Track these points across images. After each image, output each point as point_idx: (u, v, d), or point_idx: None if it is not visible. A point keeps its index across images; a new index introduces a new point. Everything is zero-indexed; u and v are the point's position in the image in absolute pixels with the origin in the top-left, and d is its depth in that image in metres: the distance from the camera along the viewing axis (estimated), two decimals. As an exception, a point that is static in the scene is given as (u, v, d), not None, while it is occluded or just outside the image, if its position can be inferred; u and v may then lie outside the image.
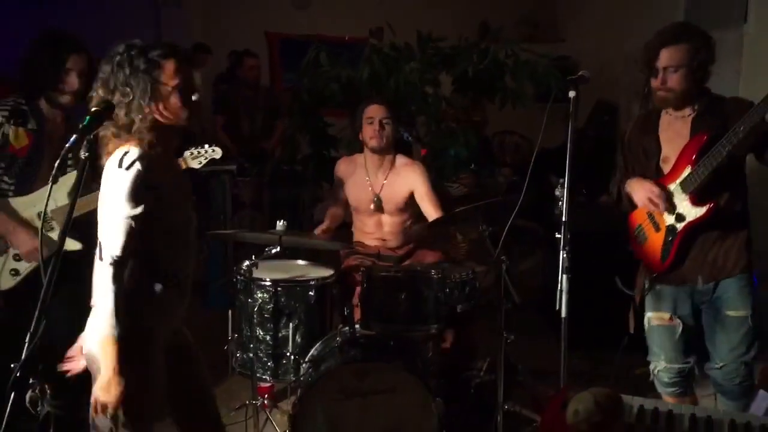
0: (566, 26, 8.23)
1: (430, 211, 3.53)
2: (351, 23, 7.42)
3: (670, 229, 2.82)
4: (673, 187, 2.79)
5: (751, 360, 2.77)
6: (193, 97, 2.05)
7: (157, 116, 2.02)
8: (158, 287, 2.04)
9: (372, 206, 3.59)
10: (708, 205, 2.71)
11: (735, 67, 4.97)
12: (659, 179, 2.83)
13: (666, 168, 2.83)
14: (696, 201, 2.74)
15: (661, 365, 2.93)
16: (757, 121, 2.50)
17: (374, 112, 3.54)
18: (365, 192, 3.61)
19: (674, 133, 2.81)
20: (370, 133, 3.53)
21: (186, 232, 2.14)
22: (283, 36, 8.18)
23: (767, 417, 1.69)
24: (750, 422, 1.56)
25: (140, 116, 1.98)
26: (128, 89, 1.97)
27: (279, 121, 6.06)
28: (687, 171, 2.73)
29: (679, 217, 2.79)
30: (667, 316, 2.89)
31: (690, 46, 2.66)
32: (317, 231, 3.58)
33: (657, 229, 2.88)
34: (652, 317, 2.95)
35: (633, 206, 2.94)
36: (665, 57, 2.69)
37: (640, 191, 2.83)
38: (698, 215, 2.74)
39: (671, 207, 2.79)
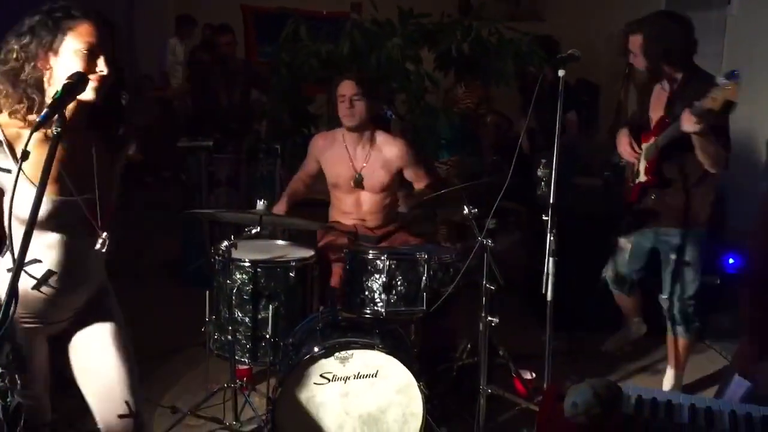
0: (546, 5, 8.17)
1: (421, 182, 3.55)
2: (327, -2, 7.30)
3: (634, 178, 3.46)
4: (645, 147, 3.36)
5: (693, 293, 3.34)
6: (98, 67, 1.85)
7: (53, 81, 1.86)
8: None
9: (352, 183, 3.51)
10: (649, 177, 3.32)
11: (718, 49, 4.96)
12: (644, 133, 3.37)
13: (651, 125, 3.35)
14: (647, 169, 3.33)
15: (608, 273, 3.74)
16: (675, 135, 3.01)
17: (345, 89, 3.43)
18: (345, 168, 3.52)
19: (658, 103, 3.31)
20: (342, 111, 3.44)
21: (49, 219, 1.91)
22: (258, 9, 8.01)
23: (757, 406, 1.65)
24: (750, 413, 1.53)
25: (31, 64, 1.83)
26: (30, 34, 1.83)
27: (257, 92, 5.96)
28: (652, 140, 3.28)
29: (637, 174, 3.42)
30: (627, 239, 3.56)
31: (644, 36, 3.15)
32: (275, 209, 3.47)
33: (632, 172, 3.50)
34: (620, 241, 3.63)
35: None
36: (629, 42, 3.26)
37: (619, 145, 3.46)
38: (644, 180, 3.36)
39: (638, 162, 3.41)
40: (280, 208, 3.54)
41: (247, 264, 3.04)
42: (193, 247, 4.68)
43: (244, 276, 3.05)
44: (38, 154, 1.76)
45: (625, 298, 3.79)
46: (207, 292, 3.17)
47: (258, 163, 5.04)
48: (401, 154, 3.50)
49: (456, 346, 3.49)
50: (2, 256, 1.95)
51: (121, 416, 2.10)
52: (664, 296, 3.42)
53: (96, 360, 2.11)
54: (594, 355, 4.04)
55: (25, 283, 1.91)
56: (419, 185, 3.53)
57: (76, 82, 1.76)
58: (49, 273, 1.93)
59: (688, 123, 2.83)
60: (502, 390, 3.16)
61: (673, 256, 3.32)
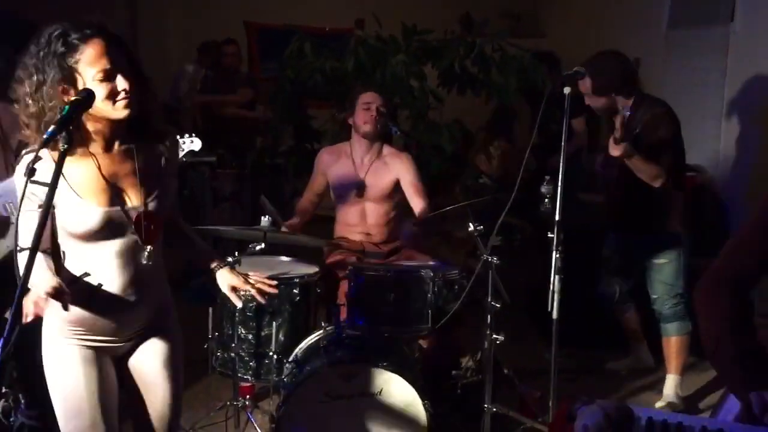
0: (548, 21, 8.20)
1: (416, 201, 3.49)
2: (330, 14, 7.32)
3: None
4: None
5: (681, 290, 3.52)
6: (119, 86, 1.83)
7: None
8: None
9: (355, 192, 3.51)
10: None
11: (721, 65, 4.96)
12: None
13: None
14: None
15: (601, 286, 3.85)
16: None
17: (372, 98, 3.51)
18: (350, 177, 3.54)
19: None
20: (365, 118, 3.48)
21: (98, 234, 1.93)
22: (261, 25, 8.05)
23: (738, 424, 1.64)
24: (762, 435, 1.51)
25: (51, 104, 1.79)
26: (40, 74, 1.79)
27: (261, 106, 5.96)
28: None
29: None
30: (610, 251, 3.79)
31: (590, 77, 3.31)
32: (289, 223, 3.48)
33: None
34: (605, 252, 3.83)
35: None
36: (580, 88, 3.47)
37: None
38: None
39: None
40: (293, 223, 3.54)
41: (251, 281, 3.02)
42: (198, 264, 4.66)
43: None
44: (84, 170, 1.88)
45: (632, 318, 3.88)
46: (210, 308, 3.16)
47: (262, 178, 5.04)
48: (404, 166, 3.52)
49: (461, 363, 3.47)
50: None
51: None
52: (654, 296, 3.60)
53: (147, 380, 2.11)
54: (600, 372, 4.02)
55: (80, 299, 1.89)
56: (416, 201, 3.50)
57: (83, 99, 1.76)
58: (100, 285, 1.93)
59: (614, 150, 3.19)
60: (506, 408, 3.14)
61: (657, 260, 3.54)
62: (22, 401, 1.59)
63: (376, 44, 4.69)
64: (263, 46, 8.10)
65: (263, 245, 2.94)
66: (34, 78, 1.80)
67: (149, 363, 2.11)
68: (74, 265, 1.93)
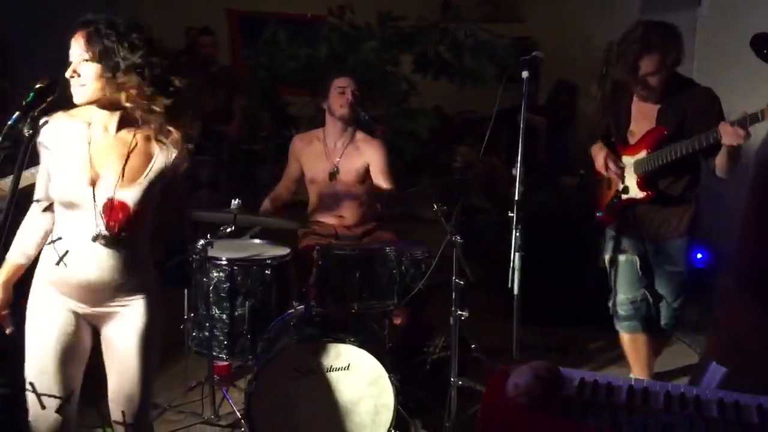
0: (526, 7, 8.25)
1: (383, 183, 3.59)
2: (313, 2, 7.35)
3: (617, 194, 3.27)
4: (629, 161, 3.19)
5: (677, 306, 3.34)
6: (67, 73, 1.99)
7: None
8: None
9: (327, 175, 3.60)
10: (647, 192, 3.15)
11: (689, 49, 5.03)
12: (624, 146, 3.22)
13: (631, 139, 3.20)
14: (641, 184, 3.17)
15: (618, 298, 3.35)
16: (705, 145, 2.85)
17: (346, 82, 3.60)
18: (322, 162, 3.63)
19: (641, 113, 3.15)
20: (341, 102, 3.57)
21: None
22: (243, 13, 8.06)
23: (702, 389, 1.74)
24: (684, 393, 1.62)
25: None
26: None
27: (237, 97, 5.97)
28: (643, 154, 3.13)
29: (625, 189, 3.23)
30: (623, 256, 3.30)
31: (663, 51, 2.92)
32: (261, 208, 3.58)
33: (609, 186, 3.33)
34: (611, 257, 3.36)
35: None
36: (645, 65, 2.93)
37: (598, 161, 3.27)
38: (638, 197, 3.20)
39: (622, 177, 3.22)
40: (264, 207, 3.63)
41: (223, 262, 3.12)
42: (173, 247, 4.74)
43: (221, 274, 3.13)
44: (77, 144, 2.06)
45: (640, 340, 3.40)
46: (185, 290, 3.25)
47: (239, 165, 5.11)
48: (375, 152, 3.61)
49: (430, 340, 3.57)
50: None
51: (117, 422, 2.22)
52: (661, 309, 3.38)
53: (118, 354, 2.21)
54: (567, 349, 4.14)
55: (50, 260, 2.10)
56: (382, 186, 3.60)
57: (47, 86, 1.84)
58: (67, 252, 2.08)
59: (732, 135, 2.70)
60: (473, 382, 3.25)
61: (671, 267, 3.27)
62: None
63: (349, 31, 4.75)
64: (245, 34, 8.10)
65: (232, 227, 3.02)
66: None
67: (121, 338, 2.20)
68: (57, 225, 2.12)
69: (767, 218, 1.79)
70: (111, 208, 2.05)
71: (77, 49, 1.98)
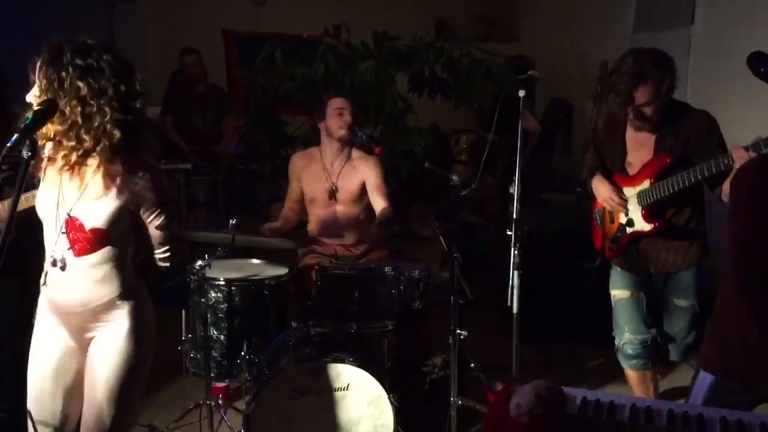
0: (521, 26, 8.34)
1: (379, 202, 3.57)
2: (308, 21, 7.41)
3: (621, 227, 3.15)
4: (632, 193, 3.07)
5: (691, 340, 3.19)
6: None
7: None
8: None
9: (327, 194, 3.60)
10: (654, 224, 3.02)
11: (683, 67, 5.09)
12: (623, 178, 3.11)
13: (630, 170, 3.10)
14: (646, 215, 3.03)
15: (625, 338, 3.19)
16: (715, 172, 2.72)
17: (343, 103, 3.60)
18: (321, 182, 3.63)
19: (638, 143, 3.06)
20: (340, 123, 3.57)
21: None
22: (239, 34, 8.11)
23: (705, 407, 1.74)
24: (687, 411, 1.61)
25: None
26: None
27: (227, 118, 5.97)
28: (646, 184, 3.01)
29: (630, 222, 3.11)
30: (629, 292, 3.17)
31: (657, 81, 2.83)
32: (264, 227, 3.56)
33: (612, 221, 3.20)
34: (616, 294, 3.23)
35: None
36: (639, 96, 2.85)
37: (601, 195, 3.14)
38: (644, 229, 3.06)
39: (626, 210, 3.10)
40: (273, 226, 3.62)
41: (221, 282, 3.11)
42: (172, 269, 4.73)
43: (219, 294, 3.11)
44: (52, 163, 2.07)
45: (648, 376, 3.29)
46: (183, 311, 3.23)
47: (236, 184, 5.11)
48: (371, 169, 3.62)
49: (429, 359, 3.56)
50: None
51: None
52: (672, 345, 3.25)
53: (93, 372, 2.17)
54: (568, 366, 4.12)
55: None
56: (378, 202, 3.59)
57: (46, 109, 1.85)
58: (46, 273, 2.12)
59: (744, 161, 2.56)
60: (473, 401, 3.23)
61: (682, 301, 3.15)
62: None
63: (345, 51, 4.79)
64: (241, 54, 8.15)
65: (227, 248, 3.01)
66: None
67: (96, 362, 2.17)
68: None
69: (756, 224, 1.81)
70: (69, 225, 2.07)
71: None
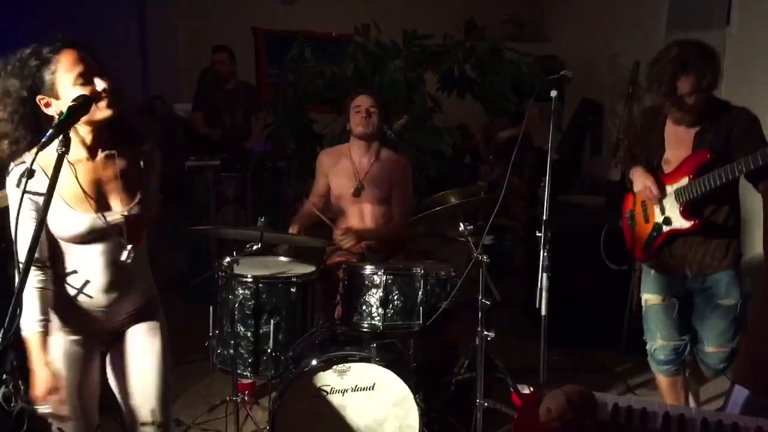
0: (551, 26, 8.27)
1: (394, 210, 3.61)
2: (338, 20, 7.42)
3: (657, 226, 3.06)
4: (669, 190, 3.00)
5: (736, 345, 3.00)
6: (98, 86, 1.94)
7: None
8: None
9: (353, 191, 3.61)
10: (693, 221, 2.95)
11: (717, 68, 5.01)
12: (660, 175, 3.03)
13: (666, 168, 3.03)
14: (685, 213, 2.96)
15: (657, 343, 3.14)
16: (758, 165, 2.64)
17: (361, 101, 3.62)
18: (348, 177, 3.64)
19: (677, 139, 2.99)
20: (357, 121, 3.60)
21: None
22: (269, 32, 8.16)
23: (740, 415, 1.70)
24: (721, 420, 1.58)
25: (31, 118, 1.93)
26: (15, 92, 1.91)
27: (256, 115, 6.04)
28: (684, 181, 2.94)
29: (667, 221, 3.03)
30: (661, 297, 3.10)
31: (700, 72, 2.79)
32: (292, 228, 3.58)
33: (646, 220, 3.12)
34: (648, 299, 3.16)
35: (632, 189, 3.15)
36: (681, 85, 2.81)
37: (640, 183, 3.04)
38: (683, 226, 2.98)
39: (662, 207, 3.03)
40: (294, 227, 3.63)
41: (249, 280, 3.12)
42: (200, 264, 4.77)
43: (246, 291, 3.12)
44: (70, 178, 2.01)
45: (680, 382, 3.22)
46: (211, 307, 3.25)
47: (264, 181, 5.13)
48: (399, 174, 3.61)
49: (455, 360, 3.54)
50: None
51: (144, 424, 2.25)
52: (708, 348, 3.08)
53: (134, 364, 2.25)
54: (595, 370, 4.08)
55: (73, 294, 2.10)
56: (395, 210, 3.61)
57: (81, 104, 1.86)
58: (86, 282, 2.09)
59: None
60: (499, 404, 3.20)
61: (723, 302, 3.01)
62: (22, 387, 1.69)
63: (375, 50, 4.78)
64: (271, 52, 8.20)
65: (259, 245, 3.02)
66: (11, 98, 1.92)
67: (139, 355, 2.25)
68: (63, 263, 2.09)
69: None
70: (128, 223, 2.08)
71: (93, 62, 1.99)
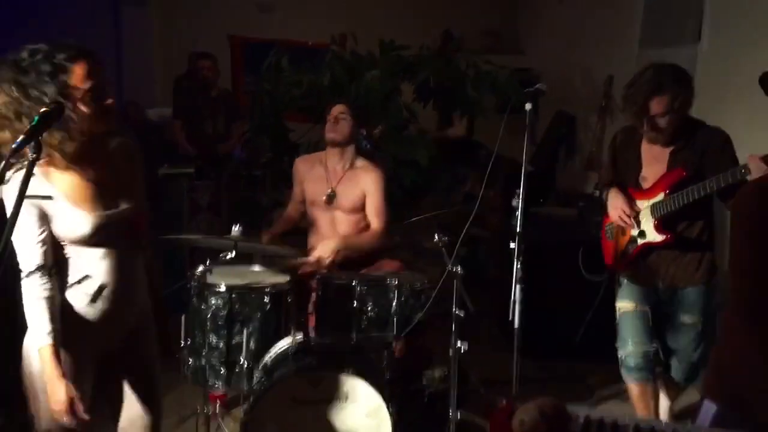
0: (527, 38, 8.36)
1: (373, 220, 3.59)
2: (315, 29, 7.40)
3: (632, 239, 3.19)
4: (645, 205, 3.12)
5: (696, 359, 3.17)
6: (107, 102, 1.97)
7: (71, 123, 1.94)
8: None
9: (325, 198, 3.60)
10: (666, 235, 3.06)
11: (689, 84, 5.09)
12: (637, 191, 3.16)
13: (644, 184, 3.15)
14: (659, 227, 3.08)
15: (628, 350, 3.21)
16: (731, 182, 2.73)
17: (339, 110, 3.63)
18: (321, 185, 3.63)
19: (653, 158, 3.11)
20: (327, 128, 3.62)
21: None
22: (246, 39, 8.13)
23: (709, 428, 1.72)
24: (691, 433, 1.59)
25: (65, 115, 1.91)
26: (36, 95, 1.89)
27: (236, 123, 6.02)
28: (660, 197, 3.05)
29: (642, 234, 3.15)
30: (634, 305, 3.20)
31: (672, 94, 2.90)
32: (265, 238, 3.56)
33: (623, 233, 3.24)
34: (622, 306, 3.26)
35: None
36: (654, 106, 2.92)
37: (613, 207, 3.18)
38: (656, 240, 3.10)
39: (638, 222, 3.14)
40: (270, 233, 3.62)
41: (222, 289, 3.08)
42: (172, 274, 4.71)
43: (219, 301, 3.08)
44: (71, 180, 2.00)
45: (649, 388, 3.26)
46: (182, 316, 3.21)
47: (239, 189, 5.11)
48: (373, 183, 3.60)
49: (428, 371, 3.54)
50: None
51: None
52: (671, 361, 3.25)
53: (132, 387, 2.26)
54: (568, 381, 4.10)
55: (81, 302, 2.07)
56: (373, 221, 3.59)
57: (53, 110, 1.82)
58: (102, 286, 2.08)
59: (761, 171, 2.61)
60: (472, 416, 3.21)
61: (688, 318, 3.14)
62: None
63: (352, 60, 4.79)
64: (247, 60, 8.17)
65: (233, 254, 3.00)
66: (16, 94, 1.89)
67: (134, 370, 2.25)
68: (74, 267, 2.07)
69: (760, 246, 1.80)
70: (133, 221, 2.09)
71: (103, 76, 2.01)
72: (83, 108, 1.94)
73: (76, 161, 2.01)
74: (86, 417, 1.98)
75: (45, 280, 2.00)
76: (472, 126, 6.31)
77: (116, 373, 2.23)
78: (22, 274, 1.99)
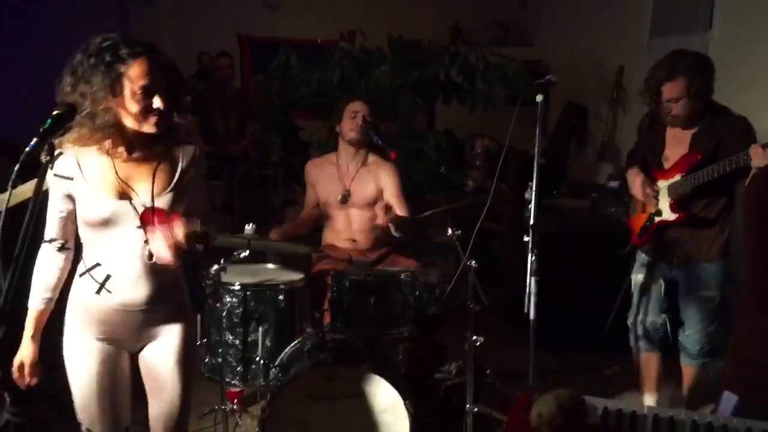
0: (536, 30, 8.30)
1: (397, 209, 3.57)
2: (323, 26, 7.40)
3: (650, 216, 3.31)
4: (664, 185, 3.25)
5: (712, 331, 3.24)
6: (155, 104, 1.96)
7: (121, 116, 1.97)
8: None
9: (339, 197, 3.60)
10: (679, 214, 3.18)
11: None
12: (658, 171, 3.28)
13: (666, 164, 3.28)
14: (674, 206, 3.20)
15: (638, 318, 3.40)
16: (735, 167, 2.85)
17: (359, 107, 3.62)
18: (335, 184, 3.64)
19: (675, 139, 3.23)
20: (350, 126, 3.60)
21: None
22: (254, 38, 8.14)
23: (729, 417, 1.71)
24: (711, 422, 1.59)
25: (101, 107, 1.92)
26: (92, 79, 1.91)
27: (249, 123, 6.04)
28: (677, 177, 3.17)
29: (658, 212, 3.27)
30: (650, 277, 3.34)
31: (687, 79, 2.99)
32: (272, 234, 3.56)
33: (643, 210, 3.37)
34: (637, 279, 3.42)
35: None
36: (666, 91, 3.04)
37: (635, 186, 3.32)
38: (670, 219, 3.22)
39: (656, 201, 3.27)
40: (279, 232, 3.62)
41: (236, 287, 3.11)
42: (187, 272, 4.73)
43: (234, 299, 3.11)
44: (101, 167, 2.02)
45: (654, 359, 3.44)
46: (198, 315, 3.23)
47: (251, 189, 5.12)
48: (388, 177, 3.61)
49: (444, 365, 3.53)
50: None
51: None
52: (687, 331, 3.30)
53: (159, 378, 2.22)
54: (583, 373, 4.09)
55: (89, 290, 2.08)
56: (397, 212, 3.58)
57: (65, 112, 1.84)
58: (109, 276, 2.06)
59: (762, 158, 2.71)
60: (489, 409, 3.20)
61: (702, 292, 3.22)
62: (7, 399, 1.67)
63: (360, 56, 4.78)
64: (256, 59, 8.18)
65: (247, 252, 3.01)
66: (82, 84, 1.93)
67: (162, 361, 2.20)
68: (89, 254, 2.08)
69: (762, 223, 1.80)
70: (150, 217, 2.05)
71: (160, 78, 2.00)
72: (131, 105, 1.95)
73: (110, 152, 2.03)
74: (26, 382, 2.06)
75: (55, 252, 2.08)
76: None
77: (145, 364, 2.22)
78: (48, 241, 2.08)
